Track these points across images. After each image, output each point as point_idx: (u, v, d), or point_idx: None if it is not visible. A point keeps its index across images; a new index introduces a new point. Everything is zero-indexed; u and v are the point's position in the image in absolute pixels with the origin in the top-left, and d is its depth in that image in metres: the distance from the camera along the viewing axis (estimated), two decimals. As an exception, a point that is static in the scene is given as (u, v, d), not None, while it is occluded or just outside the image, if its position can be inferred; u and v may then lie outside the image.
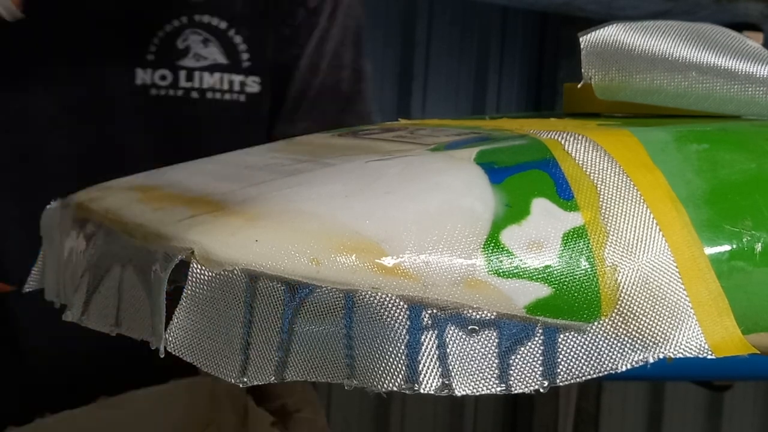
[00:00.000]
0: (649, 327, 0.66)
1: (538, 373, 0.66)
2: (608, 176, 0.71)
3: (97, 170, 1.03)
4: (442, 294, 0.64)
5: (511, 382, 0.66)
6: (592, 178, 0.71)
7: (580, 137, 0.74)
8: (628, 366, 0.66)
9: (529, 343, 0.66)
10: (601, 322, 0.66)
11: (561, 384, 0.66)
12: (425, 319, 0.64)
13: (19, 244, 1.30)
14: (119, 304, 0.73)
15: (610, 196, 0.70)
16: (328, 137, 0.93)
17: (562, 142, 0.73)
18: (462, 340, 0.65)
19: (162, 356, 0.66)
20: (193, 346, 0.66)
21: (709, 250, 0.70)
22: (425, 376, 0.64)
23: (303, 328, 0.65)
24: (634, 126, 0.80)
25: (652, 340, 0.66)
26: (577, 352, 0.66)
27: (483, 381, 0.65)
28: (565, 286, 0.66)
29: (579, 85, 0.92)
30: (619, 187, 0.71)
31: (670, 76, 0.89)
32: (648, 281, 0.67)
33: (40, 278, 0.91)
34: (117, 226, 0.75)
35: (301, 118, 1.51)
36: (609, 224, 0.69)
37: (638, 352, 0.66)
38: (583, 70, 0.91)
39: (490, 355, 0.65)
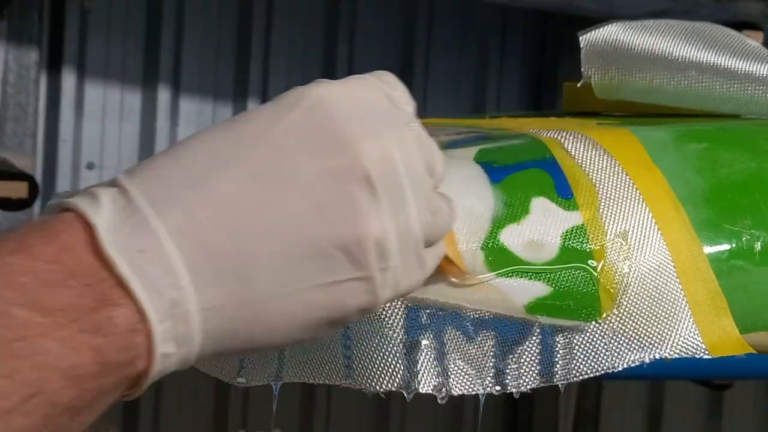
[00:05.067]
0: (646, 327, 0.66)
1: (536, 372, 0.66)
2: (608, 175, 0.71)
3: None
4: (440, 293, 0.64)
5: (507, 382, 0.66)
6: (591, 176, 0.71)
7: (579, 136, 0.74)
8: (626, 365, 0.66)
9: (527, 343, 0.66)
10: (599, 321, 0.66)
11: (559, 383, 0.66)
12: (423, 319, 0.64)
13: None
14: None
15: (609, 194, 0.70)
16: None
17: (562, 140, 0.73)
18: (460, 339, 0.65)
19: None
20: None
21: (709, 249, 0.70)
22: (423, 376, 0.64)
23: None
24: (634, 125, 0.80)
25: (649, 340, 0.66)
26: (575, 351, 0.66)
27: (481, 380, 0.65)
28: (564, 286, 0.66)
29: (579, 84, 0.92)
30: (619, 185, 0.71)
31: (669, 75, 0.89)
32: (646, 281, 0.67)
33: None
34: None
35: None
36: (608, 223, 0.69)
37: (635, 351, 0.66)
38: (583, 69, 0.91)
39: (487, 355, 0.65)
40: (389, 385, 0.64)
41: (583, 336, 0.66)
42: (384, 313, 0.64)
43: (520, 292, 0.65)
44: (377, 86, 0.54)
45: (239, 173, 0.50)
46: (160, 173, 0.50)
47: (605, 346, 0.66)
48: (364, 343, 0.64)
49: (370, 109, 0.53)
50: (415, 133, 0.53)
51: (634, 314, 0.66)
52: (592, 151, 0.73)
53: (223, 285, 0.48)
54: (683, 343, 0.67)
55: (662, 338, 0.66)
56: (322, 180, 0.50)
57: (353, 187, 0.51)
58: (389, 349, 0.64)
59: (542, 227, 0.67)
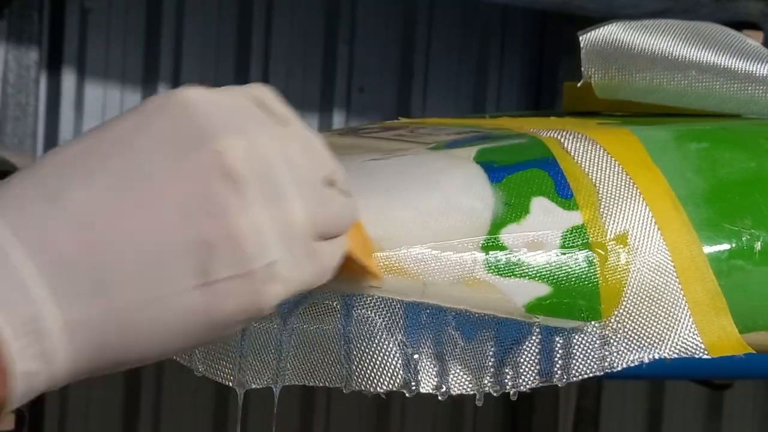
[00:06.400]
0: (645, 327, 0.66)
1: (535, 372, 0.66)
2: (607, 175, 0.71)
3: None
4: (440, 293, 0.64)
5: (506, 382, 0.66)
6: (591, 176, 0.71)
7: (579, 136, 0.74)
8: (625, 365, 0.66)
9: (527, 343, 0.66)
10: (599, 321, 0.66)
11: (558, 383, 0.66)
12: (423, 319, 0.64)
13: None
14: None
15: (609, 194, 0.70)
16: (328, 136, 0.93)
17: (562, 140, 0.73)
18: (459, 339, 0.65)
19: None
20: (191, 350, 0.65)
21: (709, 249, 0.70)
22: (423, 376, 0.64)
23: (300, 330, 0.65)
24: (634, 124, 0.80)
25: (649, 340, 0.66)
26: (575, 351, 0.66)
27: (480, 380, 0.65)
28: (564, 285, 0.66)
29: (579, 84, 0.92)
30: (619, 185, 0.71)
31: (669, 74, 0.89)
32: (645, 281, 0.67)
33: None
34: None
35: None
36: (608, 223, 0.69)
37: (635, 351, 0.66)
38: (583, 69, 0.91)
39: (487, 355, 0.65)
40: (389, 386, 0.64)
41: (582, 336, 0.66)
42: (383, 312, 0.64)
43: (519, 292, 0.66)
44: (248, 94, 0.53)
45: (97, 182, 0.49)
46: (15, 192, 0.49)
47: (605, 346, 0.66)
48: (364, 344, 0.64)
49: (237, 110, 0.52)
50: (292, 130, 0.53)
51: (633, 314, 0.66)
52: (592, 151, 0.73)
53: (83, 297, 0.48)
54: (683, 342, 0.67)
55: (662, 338, 0.66)
56: (182, 179, 0.50)
57: (215, 183, 0.50)
58: (389, 349, 0.64)
59: (542, 227, 0.67)
